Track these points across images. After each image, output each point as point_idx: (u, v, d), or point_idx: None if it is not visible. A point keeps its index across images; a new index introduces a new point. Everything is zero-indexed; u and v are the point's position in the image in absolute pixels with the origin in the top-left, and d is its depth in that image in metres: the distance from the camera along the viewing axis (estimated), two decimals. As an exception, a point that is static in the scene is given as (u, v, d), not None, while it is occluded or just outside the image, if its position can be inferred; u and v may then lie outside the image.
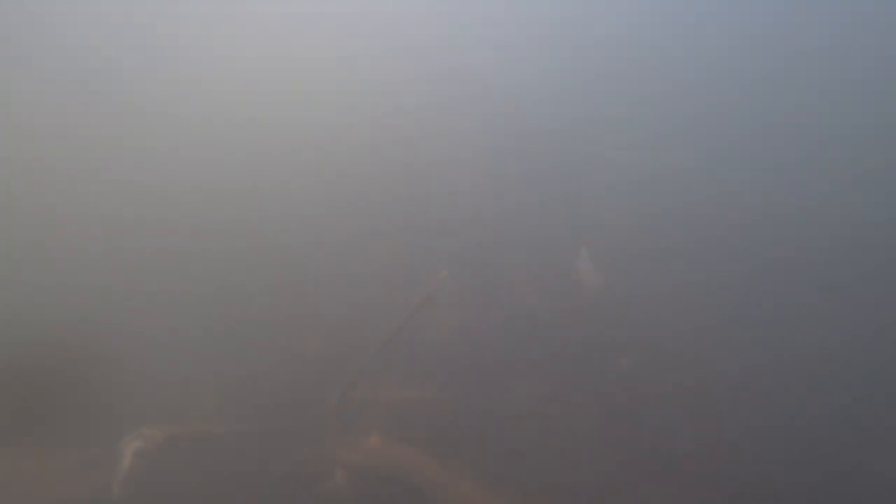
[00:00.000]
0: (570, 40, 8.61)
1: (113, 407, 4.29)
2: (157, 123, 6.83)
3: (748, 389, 4.70)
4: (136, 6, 8.49)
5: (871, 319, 5.23)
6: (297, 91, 7.49)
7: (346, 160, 6.61)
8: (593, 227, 6.05)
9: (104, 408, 4.30)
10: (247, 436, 4.25)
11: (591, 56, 8.36)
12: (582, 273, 5.29)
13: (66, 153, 6.37)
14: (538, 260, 5.68)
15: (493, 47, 8.39)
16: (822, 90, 7.71)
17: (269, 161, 6.56)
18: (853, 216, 6.18)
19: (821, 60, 8.08)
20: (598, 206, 6.29)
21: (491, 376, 4.76)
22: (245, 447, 4.19)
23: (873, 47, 8.20)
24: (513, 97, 7.68)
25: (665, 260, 5.71)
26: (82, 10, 8.18)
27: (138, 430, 3.85)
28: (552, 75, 8.01)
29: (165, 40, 7.95)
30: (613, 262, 5.64)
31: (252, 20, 8.52)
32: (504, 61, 8.17)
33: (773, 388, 4.71)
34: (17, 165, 6.12)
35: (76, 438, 4.13)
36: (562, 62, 8.23)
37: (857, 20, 8.53)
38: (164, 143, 6.60)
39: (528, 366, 4.84)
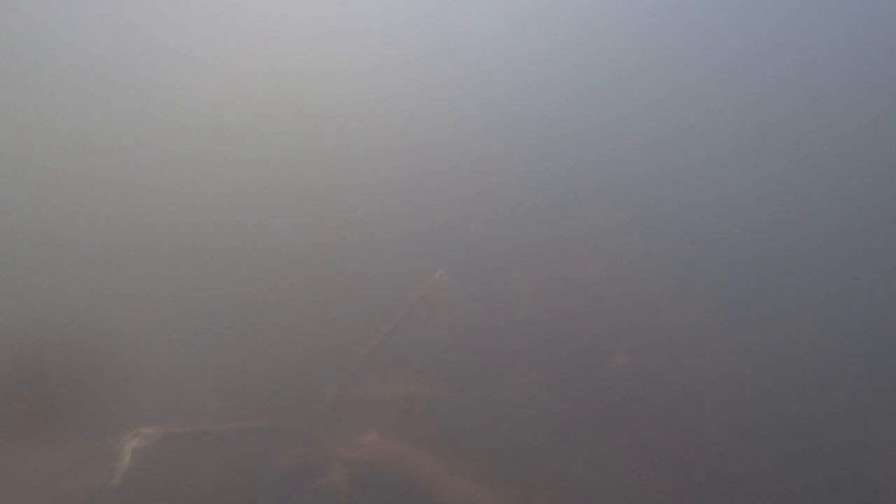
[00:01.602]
0: (564, 41, 8.63)
1: (112, 406, 4.36)
2: (155, 127, 6.88)
3: (747, 389, 4.72)
4: (141, 9, 8.52)
5: (870, 321, 5.25)
6: (294, 95, 7.54)
7: (342, 161, 6.65)
8: (589, 226, 6.08)
9: (103, 407, 4.37)
10: (245, 433, 4.30)
11: (586, 56, 8.38)
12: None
13: (65, 156, 6.41)
14: (535, 259, 5.71)
15: (489, 49, 8.43)
16: (824, 92, 7.71)
17: (264, 162, 6.59)
18: (853, 218, 6.20)
19: (826, 61, 8.07)
20: (593, 205, 6.32)
21: (488, 374, 4.80)
22: (243, 444, 4.24)
23: (876, 48, 8.19)
24: (508, 98, 7.71)
25: (662, 259, 5.75)
26: (82, 11, 8.21)
27: (136, 430, 3.91)
28: (551, 77, 8.04)
29: (170, 45, 7.97)
30: (611, 262, 5.67)
31: (253, 24, 8.54)
32: (502, 63, 8.20)
33: (771, 389, 4.73)
34: (16, 168, 6.16)
35: (75, 437, 4.20)
36: (558, 63, 8.25)
37: (858, 21, 8.52)
38: (159, 147, 6.64)
39: (525, 364, 4.88)
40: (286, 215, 5.98)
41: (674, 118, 7.36)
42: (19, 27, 7.72)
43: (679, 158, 6.81)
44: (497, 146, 7.00)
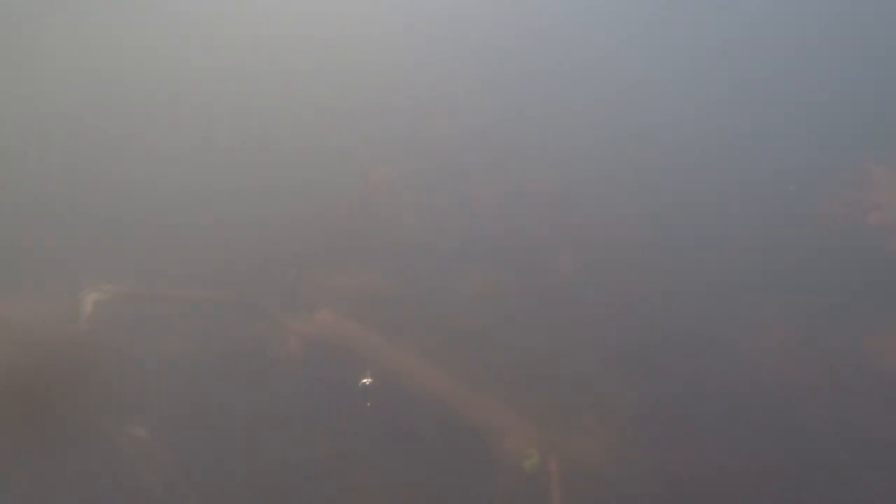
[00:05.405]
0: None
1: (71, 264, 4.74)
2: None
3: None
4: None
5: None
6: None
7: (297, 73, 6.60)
8: (542, 131, 6.17)
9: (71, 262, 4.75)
10: (208, 303, 4.72)
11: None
12: None
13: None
14: (502, 169, 5.85)
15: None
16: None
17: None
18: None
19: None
20: (566, 128, 6.25)
21: (442, 264, 5.12)
22: (203, 314, 4.67)
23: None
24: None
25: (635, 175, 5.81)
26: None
27: (97, 284, 4.25)
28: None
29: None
30: (563, 171, 5.79)
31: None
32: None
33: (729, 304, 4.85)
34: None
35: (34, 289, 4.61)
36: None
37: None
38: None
39: (477, 254, 5.17)
40: (247, 122, 6.04)
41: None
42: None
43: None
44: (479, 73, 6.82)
